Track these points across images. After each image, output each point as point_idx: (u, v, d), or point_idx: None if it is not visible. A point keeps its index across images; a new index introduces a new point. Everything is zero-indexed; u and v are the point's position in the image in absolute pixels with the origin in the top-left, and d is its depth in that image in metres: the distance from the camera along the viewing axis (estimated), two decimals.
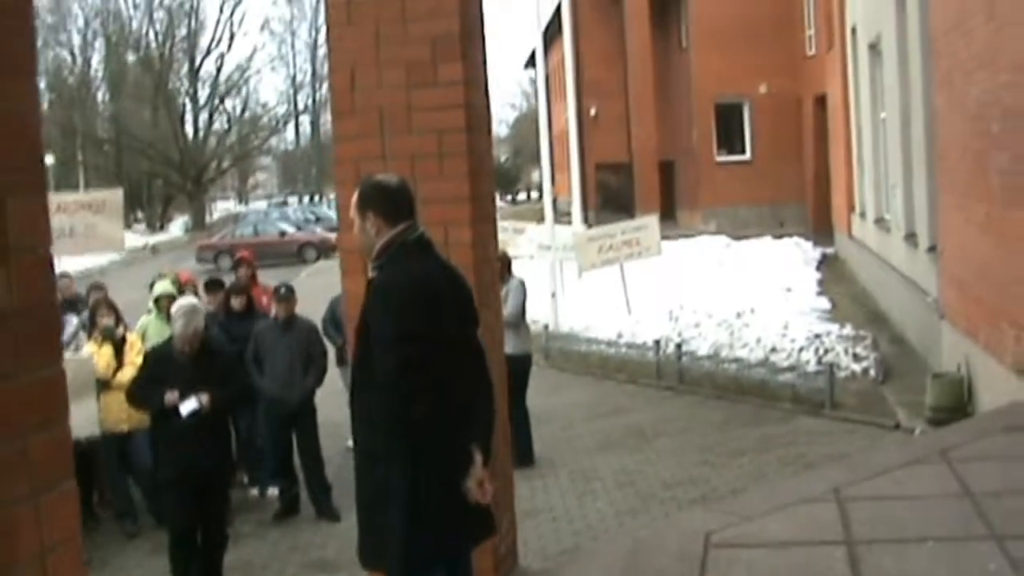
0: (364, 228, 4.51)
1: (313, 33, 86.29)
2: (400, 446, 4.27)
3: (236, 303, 10.66)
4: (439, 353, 4.28)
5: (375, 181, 4.68)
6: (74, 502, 2.42)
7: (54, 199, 12.35)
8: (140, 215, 74.58)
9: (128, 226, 66.61)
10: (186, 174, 69.43)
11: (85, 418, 8.70)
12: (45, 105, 70.00)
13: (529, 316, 17.51)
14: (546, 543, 8.35)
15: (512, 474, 7.04)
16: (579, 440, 11.72)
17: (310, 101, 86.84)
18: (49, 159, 55.68)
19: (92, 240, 11.81)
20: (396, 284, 4.38)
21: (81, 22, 73.43)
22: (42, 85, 70.50)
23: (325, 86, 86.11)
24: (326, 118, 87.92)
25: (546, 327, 17.19)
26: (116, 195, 12.58)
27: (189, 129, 73.53)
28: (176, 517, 7.80)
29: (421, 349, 4.21)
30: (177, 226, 71.76)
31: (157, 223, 71.72)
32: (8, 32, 2.24)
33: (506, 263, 10.73)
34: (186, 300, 8.60)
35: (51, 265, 2.38)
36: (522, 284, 10.74)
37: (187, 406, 7.55)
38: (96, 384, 9.08)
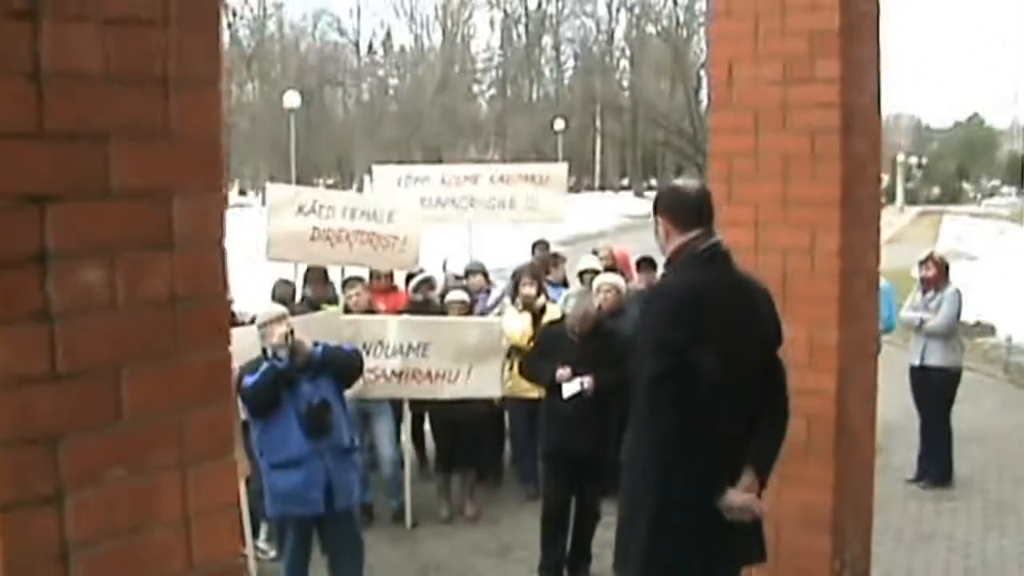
0: (658, 232, 4.47)
1: None
2: (650, 457, 4.23)
3: None
4: (703, 368, 4.13)
5: (671, 186, 4.68)
6: (230, 476, 2.62)
7: (493, 169, 12.86)
8: (653, 183, 76.68)
9: (640, 194, 68.92)
10: (698, 146, 70.60)
11: (490, 380, 9.07)
12: (569, 72, 73.42)
13: (998, 325, 16.46)
14: (932, 573, 7.87)
15: (871, 500, 6.65)
16: (1010, 468, 10.66)
17: None
18: (559, 124, 58.38)
19: (531, 212, 12.13)
20: (663, 293, 4.35)
21: None
22: (567, 52, 74.06)
23: None
24: None
25: (1009, 339, 15.86)
26: (560, 169, 12.79)
27: (704, 102, 74.66)
28: (549, 491, 7.97)
29: (678, 361, 4.10)
30: None
31: None
32: (194, 46, 2.45)
33: (942, 269, 10.10)
34: (599, 280, 8.76)
35: (221, 257, 2.57)
36: (957, 293, 9.98)
37: (569, 388, 7.67)
38: (511, 350, 9.41)
